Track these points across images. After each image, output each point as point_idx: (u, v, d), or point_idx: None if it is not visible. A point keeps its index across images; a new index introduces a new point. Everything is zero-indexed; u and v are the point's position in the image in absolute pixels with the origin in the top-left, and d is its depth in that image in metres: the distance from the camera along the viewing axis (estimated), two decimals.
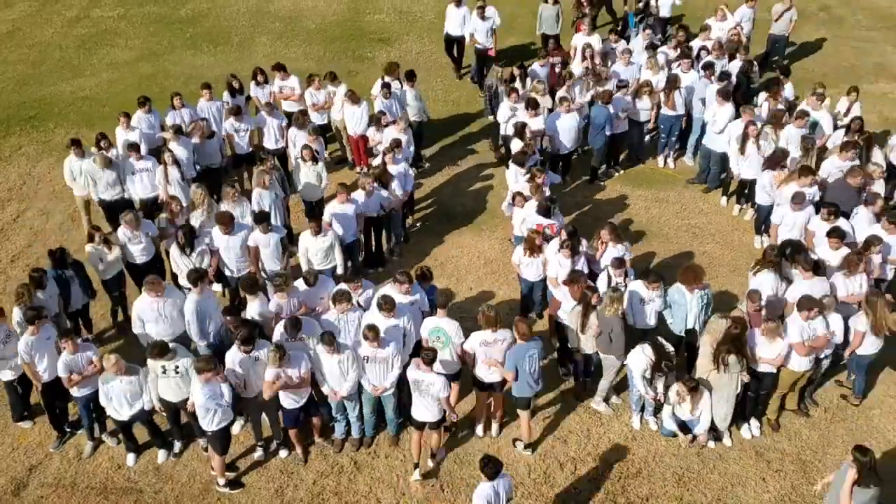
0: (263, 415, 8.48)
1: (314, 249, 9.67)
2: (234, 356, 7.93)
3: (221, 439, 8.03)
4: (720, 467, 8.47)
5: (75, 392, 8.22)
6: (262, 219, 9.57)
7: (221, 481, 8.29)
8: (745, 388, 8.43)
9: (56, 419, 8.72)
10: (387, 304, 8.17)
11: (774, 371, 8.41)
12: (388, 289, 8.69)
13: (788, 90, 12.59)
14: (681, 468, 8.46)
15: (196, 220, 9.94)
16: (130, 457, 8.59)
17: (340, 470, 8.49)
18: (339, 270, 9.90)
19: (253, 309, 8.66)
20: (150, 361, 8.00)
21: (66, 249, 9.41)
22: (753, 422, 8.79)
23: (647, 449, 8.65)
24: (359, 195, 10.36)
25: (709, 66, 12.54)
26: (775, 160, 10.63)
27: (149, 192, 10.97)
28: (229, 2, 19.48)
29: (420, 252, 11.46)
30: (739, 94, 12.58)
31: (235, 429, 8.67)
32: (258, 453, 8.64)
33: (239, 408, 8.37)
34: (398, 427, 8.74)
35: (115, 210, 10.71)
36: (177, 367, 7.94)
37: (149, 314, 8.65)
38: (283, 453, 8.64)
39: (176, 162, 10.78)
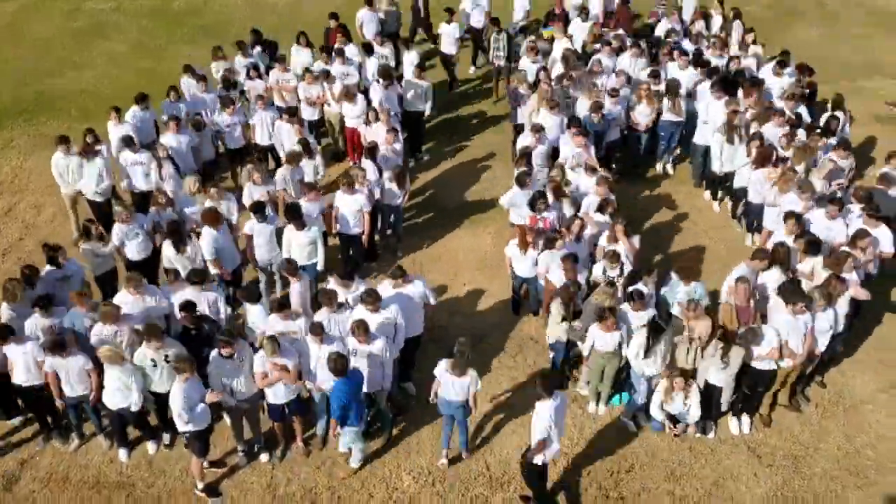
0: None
1: (297, 244, 9.65)
2: (215, 361, 7.81)
3: (199, 441, 7.86)
4: (712, 462, 8.49)
5: (68, 391, 8.17)
6: (258, 209, 9.58)
7: (200, 485, 8.19)
8: (738, 383, 8.46)
9: (42, 419, 8.67)
10: (370, 298, 8.14)
11: (770, 368, 8.39)
12: (382, 284, 8.72)
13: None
14: (673, 463, 8.48)
15: (196, 208, 9.98)
16: (122, 452, 8.57)
17: (333, 464, 8.49)
18: (320, 266, 9.88)
19: (253, 315, 8.61)
20: (142, 351, 7.91)
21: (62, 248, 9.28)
22: (744, 418, 8.81)
23: (639, 444, 8.67)
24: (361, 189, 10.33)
25: (706, 64, 12.56)
26: (764, 157, 10.56)
27: (142, 185, 10.93)
28: None
29: (414, 247, 11.46)
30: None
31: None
32: (240, 458, 8.53)
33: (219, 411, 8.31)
34: (390, 422, 8.73)
35: (104, 209, 10.66)
36: (166, 355, 7.90)
37: (134, 311, 8.50)
38: (263, 456, 8.53)
39: (170, 157, 10.75)
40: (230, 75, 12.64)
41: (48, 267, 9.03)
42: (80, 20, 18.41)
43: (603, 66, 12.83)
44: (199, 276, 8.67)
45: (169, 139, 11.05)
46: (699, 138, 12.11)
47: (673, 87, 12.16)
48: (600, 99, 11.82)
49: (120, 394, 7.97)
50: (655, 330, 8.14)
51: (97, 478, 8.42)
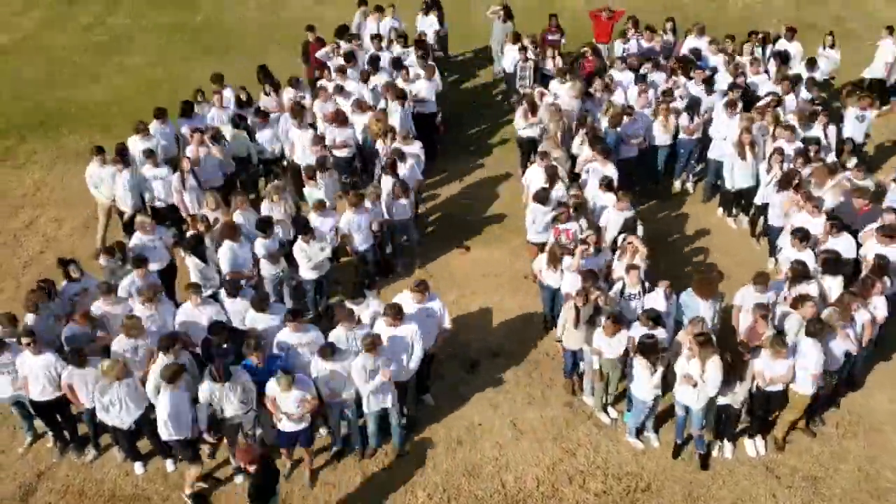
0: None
1: (306, 257, 9.73)
2: (208, 388, 7.76)
3: (189, 448, 7.99)
4: (730, 483, 8.39)
5: (86, 401, 8.18)
6: (264, 226, 9.67)
7: (188, 491, 8.19)
8: (750, 405, 8.39)
9: (57, 430, 8.72)
10: (392, 312, 8.17)
11: (782, 390, 8.30)
12: (402, 297, 8.73)
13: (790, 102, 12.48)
14: (690, 483, 8.39)
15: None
16: (138, 465, 8.59)
17: (349, 480, 8.46)
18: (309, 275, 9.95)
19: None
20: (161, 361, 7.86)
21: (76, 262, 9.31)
22: (759, 439, 8.71)
23: (656, 463, 8.59)
24: (370, 204, 10.39)
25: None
26: (787, 181, 10.39)
27: (163, 199, 11.04)
28: (241, 11, 19.68)
29: (429, 261, 11.47)
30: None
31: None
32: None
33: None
34: (403, 438, 8.72)
35: (132, 220, 10.79)
36: (183, 364, 7.95)
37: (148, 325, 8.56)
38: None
39: (192, 170, 10.85)
40: (242, 93, 12.75)
41: (65, 282, 9.12)
42: (100, 34, 18.69)
43: (615, 82, 12.79)
44: (234, 288, 8.83)
45: (191, 153, 11.16)
46: (713, 153, 12.09)
47: (692, 104, 12.13)
48: (618, 114, 11.78)
49: (114, 409, 7.94)
50: (647, 348, 8.03)
51: (113, 491, 8.44)
